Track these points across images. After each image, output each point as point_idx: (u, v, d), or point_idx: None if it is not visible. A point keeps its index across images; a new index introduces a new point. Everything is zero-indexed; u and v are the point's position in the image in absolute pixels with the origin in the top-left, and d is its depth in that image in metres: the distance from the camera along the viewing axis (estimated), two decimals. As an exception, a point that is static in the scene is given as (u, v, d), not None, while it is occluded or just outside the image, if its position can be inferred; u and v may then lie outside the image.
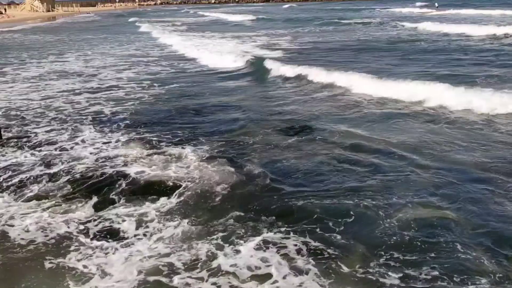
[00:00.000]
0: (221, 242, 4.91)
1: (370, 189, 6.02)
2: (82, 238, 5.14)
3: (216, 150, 7.71)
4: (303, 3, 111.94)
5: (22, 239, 5.16)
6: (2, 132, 8.99)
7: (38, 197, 6.22)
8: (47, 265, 4.65)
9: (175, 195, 6.10)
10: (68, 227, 5.37)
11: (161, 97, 12.09)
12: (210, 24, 46.27)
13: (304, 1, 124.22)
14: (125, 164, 7.32)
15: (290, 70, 14.17)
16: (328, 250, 4.69)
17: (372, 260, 4.50)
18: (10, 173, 7.16)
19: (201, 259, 4.63)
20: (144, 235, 5.15)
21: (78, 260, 4.72)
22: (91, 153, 7.99)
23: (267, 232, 5.07)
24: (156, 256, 4.72)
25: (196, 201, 5.92)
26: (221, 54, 18.63)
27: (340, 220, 5.26)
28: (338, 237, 4.94)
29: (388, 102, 10.53)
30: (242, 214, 5.50)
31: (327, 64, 15.26)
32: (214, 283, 4.28)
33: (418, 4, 65.94)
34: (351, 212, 5.42)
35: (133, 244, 4.97)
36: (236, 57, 17.45)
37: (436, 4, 55.88)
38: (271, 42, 24.92)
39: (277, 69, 14.58)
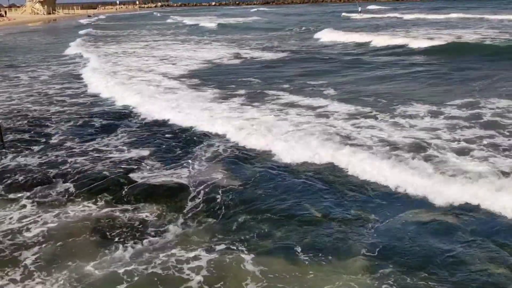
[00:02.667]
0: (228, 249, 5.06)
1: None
2: (80, 241, 5.34)
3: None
4: (296, 5, 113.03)
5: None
6: (3, 135, 9.04)
7: (34, 201, 6.37)
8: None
9: (179, 199, 6.33)
10: (65, 231, 5.53)
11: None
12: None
13: (303, 3, 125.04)
14: (128, 168, 7.45)
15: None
16: (332, 253, 4.93)
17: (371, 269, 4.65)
18: (8, 175, 7.30)
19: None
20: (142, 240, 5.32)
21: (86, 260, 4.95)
22: (92, 156, 8.06)
23: (272, 236, 5.29)
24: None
25: (200, 205, 6.13)
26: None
27: (340, 223, 5.54)
28: (339, 240, 5.18)
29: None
30: (244, 218, 5.73)
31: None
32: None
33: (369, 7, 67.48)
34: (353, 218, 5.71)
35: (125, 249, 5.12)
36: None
37: (359, 9, 57.07)
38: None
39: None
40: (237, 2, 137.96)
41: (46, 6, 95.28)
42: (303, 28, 36.05)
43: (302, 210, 5.93)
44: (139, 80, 15.57)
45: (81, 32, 41.93)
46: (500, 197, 5.62)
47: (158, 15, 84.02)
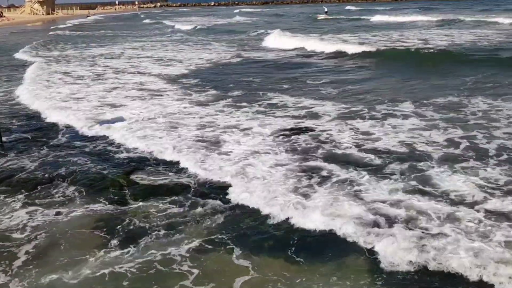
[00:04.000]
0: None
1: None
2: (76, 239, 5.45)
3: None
4: (294, 5, 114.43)
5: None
6: (2, 136, 9.14)
7: (34, 201, 6.45)
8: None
9: (179, 198, 6.43)
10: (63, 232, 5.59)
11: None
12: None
13: (304, 3, 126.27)
14: (129, 169, 7.54)
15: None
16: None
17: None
18: (7, 175, 7.39)
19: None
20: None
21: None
22: (89, 158, 8.11)
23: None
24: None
25: (199, 205, 6.24)
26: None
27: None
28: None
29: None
30: (242, 217, 5.87)
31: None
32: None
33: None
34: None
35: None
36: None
37: (326, 9, 57.86)
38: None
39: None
40: (236, 2, 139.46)
41: (45, 6, 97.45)
42: (262, 31, 37.49)
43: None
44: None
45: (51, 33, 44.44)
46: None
47: (142, 16, 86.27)
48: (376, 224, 5.40)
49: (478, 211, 5.69)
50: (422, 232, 5.17)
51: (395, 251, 4.86)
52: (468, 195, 6.13)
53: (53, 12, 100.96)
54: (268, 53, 24.09)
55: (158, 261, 4.95)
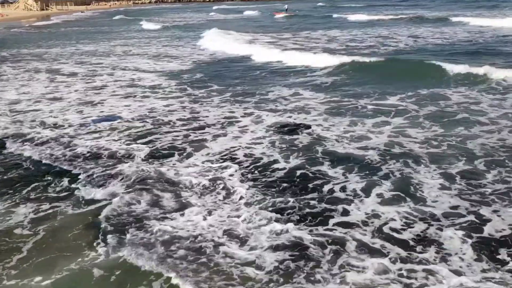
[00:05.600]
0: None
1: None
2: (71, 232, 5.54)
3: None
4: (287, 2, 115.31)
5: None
6: None
7: (28, 198, 6.53)
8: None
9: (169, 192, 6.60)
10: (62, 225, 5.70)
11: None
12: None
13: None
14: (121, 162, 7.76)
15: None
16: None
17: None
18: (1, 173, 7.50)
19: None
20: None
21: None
22: (83, 153, 8.34)
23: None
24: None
25: (188, 199, 6.42)
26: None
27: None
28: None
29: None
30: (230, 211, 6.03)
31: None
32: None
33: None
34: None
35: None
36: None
37: (286, 7, 58.50)
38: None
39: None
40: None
41: (39, 2, 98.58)
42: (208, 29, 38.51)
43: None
44: None
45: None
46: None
47: (124, 12, 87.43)
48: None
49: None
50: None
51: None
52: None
53: (47, 8, 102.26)
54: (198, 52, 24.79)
55: (153, 253, 5.06)
